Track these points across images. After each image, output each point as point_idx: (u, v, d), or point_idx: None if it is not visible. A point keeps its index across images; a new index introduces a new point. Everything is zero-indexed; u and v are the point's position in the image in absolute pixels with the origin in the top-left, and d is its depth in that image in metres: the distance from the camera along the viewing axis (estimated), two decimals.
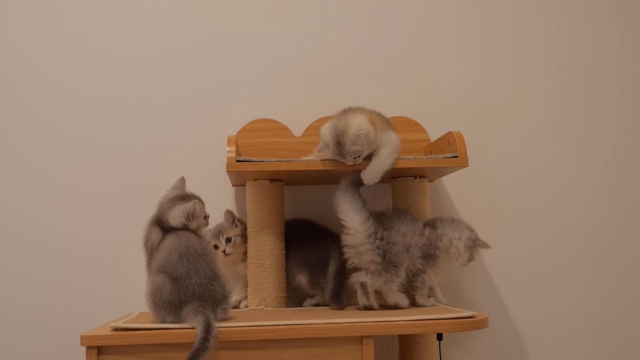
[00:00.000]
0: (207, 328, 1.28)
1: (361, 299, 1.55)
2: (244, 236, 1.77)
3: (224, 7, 1.96)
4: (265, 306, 1.71)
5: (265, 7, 1.97)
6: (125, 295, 1.82)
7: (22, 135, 1.90)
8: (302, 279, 1.76)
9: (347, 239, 1.55)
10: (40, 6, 1.93)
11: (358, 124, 1.54)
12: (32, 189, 1.88)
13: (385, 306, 1.56)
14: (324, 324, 1.35)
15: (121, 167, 1.90)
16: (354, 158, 1.55)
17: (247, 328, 1.33)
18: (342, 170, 1.60)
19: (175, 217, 1.49)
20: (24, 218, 1.87)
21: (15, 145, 1.89)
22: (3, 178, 1.88)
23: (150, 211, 1.83)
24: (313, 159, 1.67)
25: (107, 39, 1.94)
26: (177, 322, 1.35)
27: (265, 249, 1.72)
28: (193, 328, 1.30)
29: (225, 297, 1.43)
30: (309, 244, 1.77)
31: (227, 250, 1.73)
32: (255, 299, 1.72)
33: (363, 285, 1.53)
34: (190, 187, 1.83)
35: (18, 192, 1.88)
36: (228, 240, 1.74)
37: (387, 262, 1.52)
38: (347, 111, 1.61)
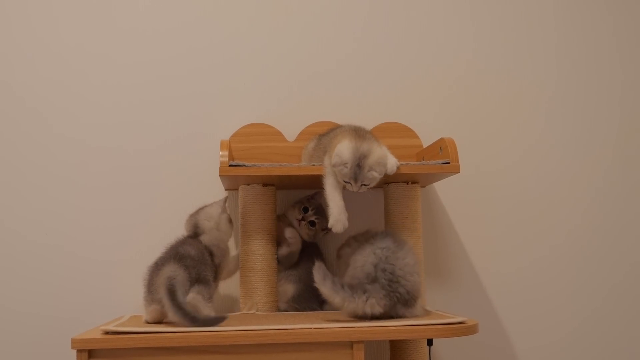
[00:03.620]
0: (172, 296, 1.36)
1: None
2: None
3: (218, 13, 1.96)
4: (257, 310, 1.70)
5: (259, 14, 1.96)
6: (117, 298, 1.81)
7: (19, 136, 1.89)
8: (289, 290, 1.77)
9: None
10: (37, 9, 1.92)
11: (380, 153, 1.54)
12: (24, 189, 1.87)
13: None
14: (314, 328, 1.34)
15: (114, 170, 1.89)
16: (362, 185, 1.53)
17: (238, 332, 1.32)
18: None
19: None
20: (17, 218, 1.86)
21: (12, 145, 1.89)
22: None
23: (145, 214, 1.85)
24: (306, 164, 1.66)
25: (103, 42, 1.93)
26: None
27: (257, 253, 1.72)
28: (185, 331, 1.30)
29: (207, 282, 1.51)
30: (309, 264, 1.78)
31: None
32: (247, 303, 1.71)
33: None
34: (184, 191, 1.86)
35: (10, 190, 1.87)
36: None
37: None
38: (365, 136, 1.57)
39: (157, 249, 1.54)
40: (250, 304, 1.71)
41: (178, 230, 1.64)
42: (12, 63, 1.91)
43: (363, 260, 1.50)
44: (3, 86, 1.90)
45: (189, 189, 1.88)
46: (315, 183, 1.75)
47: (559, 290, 1.94)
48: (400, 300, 1.45)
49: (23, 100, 1.90)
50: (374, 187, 1.82)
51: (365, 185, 1.54)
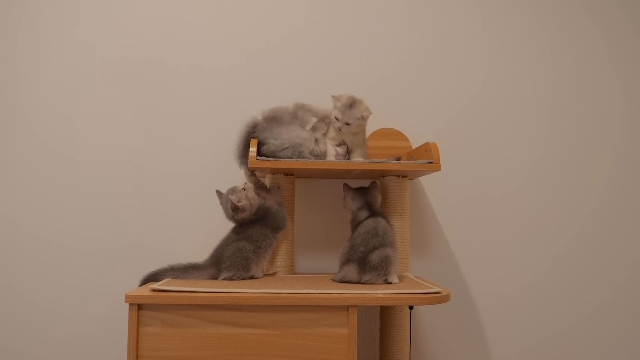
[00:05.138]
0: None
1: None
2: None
3: (255, 37, 1.83)
4: (276, 272, 1.59)
5: (285, 38, 1.83)
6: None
7: (31, 135, 1.78)
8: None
9: None
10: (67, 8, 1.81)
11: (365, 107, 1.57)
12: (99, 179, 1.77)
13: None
14: (318, 293, 1.23)
15: (182, 169, 1.78)
16: (345, 124, 1.55)
17: (257, 295, 1.23)
18: (336, 169, 1.49)
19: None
20: (87, 197, 1.76)
21: (23, 142, 1.78)
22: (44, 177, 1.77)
23: (194, 204, 1.74)
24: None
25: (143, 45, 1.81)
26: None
27: None
28: (214, 292, 1.19)
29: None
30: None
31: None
32: (270, 266, 1.61)
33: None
34: (225, 179, 1.74)
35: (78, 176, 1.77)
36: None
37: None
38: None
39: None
40: (272, 266, 1.61)
41: (216, 213, 1.53)
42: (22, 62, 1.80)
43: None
44: (29, 90, 1.79)
45: (229, 177, 1.76)
46: (325, 173, 1.64)
47: (520, 260, 1.80)
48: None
49: (43, 97, 1.79)
50: (372, 178, 1.70)
51: (347, 124, 1.54)
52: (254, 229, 1.49)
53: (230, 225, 1.53)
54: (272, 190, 1.59)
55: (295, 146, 1.51)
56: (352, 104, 1.54)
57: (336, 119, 1.56)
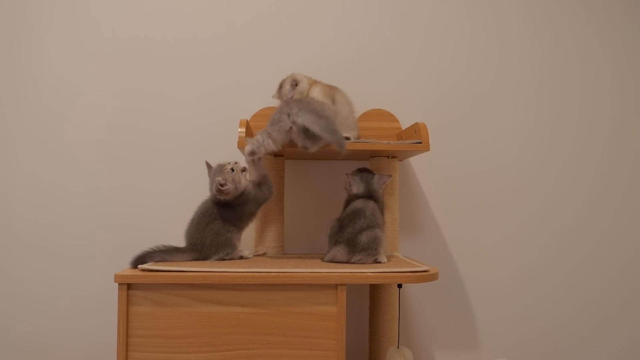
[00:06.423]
0: None
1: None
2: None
3: (246, 30, 1.80)
4: (266, 253, 1.59)
5: (272, 24, 1.80)
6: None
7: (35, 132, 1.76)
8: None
9: None
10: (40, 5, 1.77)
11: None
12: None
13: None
14: (307, 272, 1.24)
15: (162, 140, 1.76)
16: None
17: (246, 274, 1.23)
18: (325, 151, 1.48)
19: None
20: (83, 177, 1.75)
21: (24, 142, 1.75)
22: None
23: (182, 179, 1.72)
24: None
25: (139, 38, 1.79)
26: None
27: (269, 207, 1.60)
28: (203, 271, 1.18)
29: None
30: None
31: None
32: (260, 247, 1.61)
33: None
34: (217, 157, 1.71)
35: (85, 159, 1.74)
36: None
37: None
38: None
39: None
40: (262, 248, 1.60)
41: (204, 192, 1.51)
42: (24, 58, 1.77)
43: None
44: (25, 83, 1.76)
45: (218, 158, 1.73)
46: (313, 155, 1.63)
47: (509, 240, 1.81)
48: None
49: (31, 100, 1.76)
50: (361, 159, 1.69)
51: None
52: (228, 211, 1.44)
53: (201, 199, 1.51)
54: (256, 163, 1.51)
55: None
56: (280, 86, 1.62)
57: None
